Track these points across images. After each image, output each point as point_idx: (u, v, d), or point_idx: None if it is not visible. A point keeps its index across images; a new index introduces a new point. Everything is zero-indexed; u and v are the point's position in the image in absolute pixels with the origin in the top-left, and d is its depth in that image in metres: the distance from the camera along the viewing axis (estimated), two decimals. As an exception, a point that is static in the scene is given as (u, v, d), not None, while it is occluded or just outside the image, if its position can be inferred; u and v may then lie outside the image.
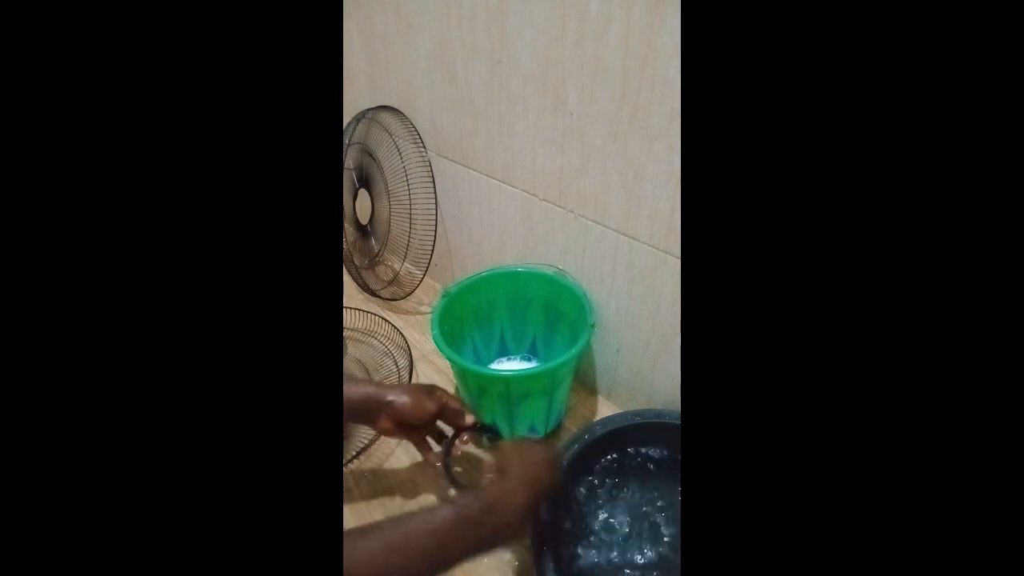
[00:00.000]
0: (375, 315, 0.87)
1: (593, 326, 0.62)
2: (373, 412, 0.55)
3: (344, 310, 0.85)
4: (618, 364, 0.71)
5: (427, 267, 0.88)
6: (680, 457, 0.60)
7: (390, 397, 0.55)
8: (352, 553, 0.35)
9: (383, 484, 0.66)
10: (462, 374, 0.64)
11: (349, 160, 0.89)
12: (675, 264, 0.57)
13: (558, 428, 0.72)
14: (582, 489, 0.61)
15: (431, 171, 0.82)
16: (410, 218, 0.86)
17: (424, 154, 0.82)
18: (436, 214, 0.85)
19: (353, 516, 0.62)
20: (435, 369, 0.81)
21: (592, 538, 0.57)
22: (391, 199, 0.88)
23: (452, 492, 0.63)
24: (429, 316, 0.65)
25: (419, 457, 0.61)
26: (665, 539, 0.57)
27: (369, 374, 0.80)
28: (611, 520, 0.59)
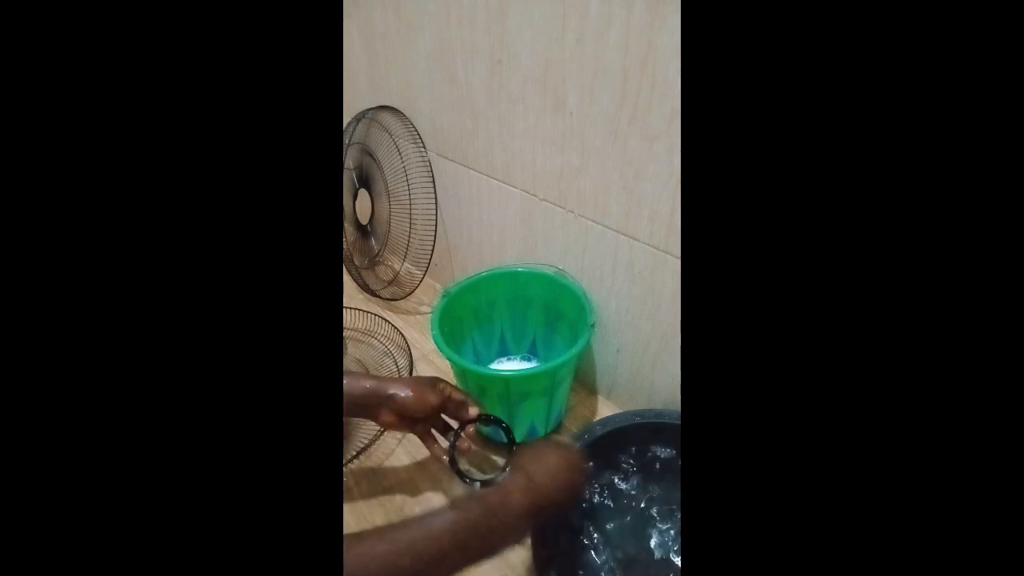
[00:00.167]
0: (375, 315, 0.87)
1: (593, 326, 0.62)
2: (375, 406, 0.55)
3: (344, 310, 0.85)
4: (618, 364, 0.71)
5: (427, 267, 0.88)
6: (680, 457, 0.60)
7: (391, 390, 0.55)
8: (352, 559, 0.34)
9: (383, 484, 0.66)
10: (462, 374, 0.64)
11: (349, 160, 0.89)
12: (675, 264, 0.57)
13: (558, 428, 0.72)
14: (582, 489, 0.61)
15: (431, 171, 0.82)
16: (410, 218, 0.86)
17: (424, 154, 0.82)
18: (436, 214, 0.85)
19: (353, 516, 0.62)
20: (435, 369, 0.81)
21: (592, 538, 0.57)
22: (391, 199, 0.88)
23: (459, 488, 0.63)
24: (429, 316, 0.65)
25: (420, 456, 0.61)
26: (665, 539, 0.57)
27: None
28: (611, 520, 0.59)
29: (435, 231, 0.86)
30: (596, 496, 0.60)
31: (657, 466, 0.62)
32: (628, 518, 0.59)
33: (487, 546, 0.41)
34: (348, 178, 0.91)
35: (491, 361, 0.79)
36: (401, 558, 0.37)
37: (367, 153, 0.89)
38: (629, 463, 0.62)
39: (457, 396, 0.58)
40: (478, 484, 0.58)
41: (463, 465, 0.57)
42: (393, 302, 0.94)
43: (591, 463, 0.56)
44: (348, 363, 0.81)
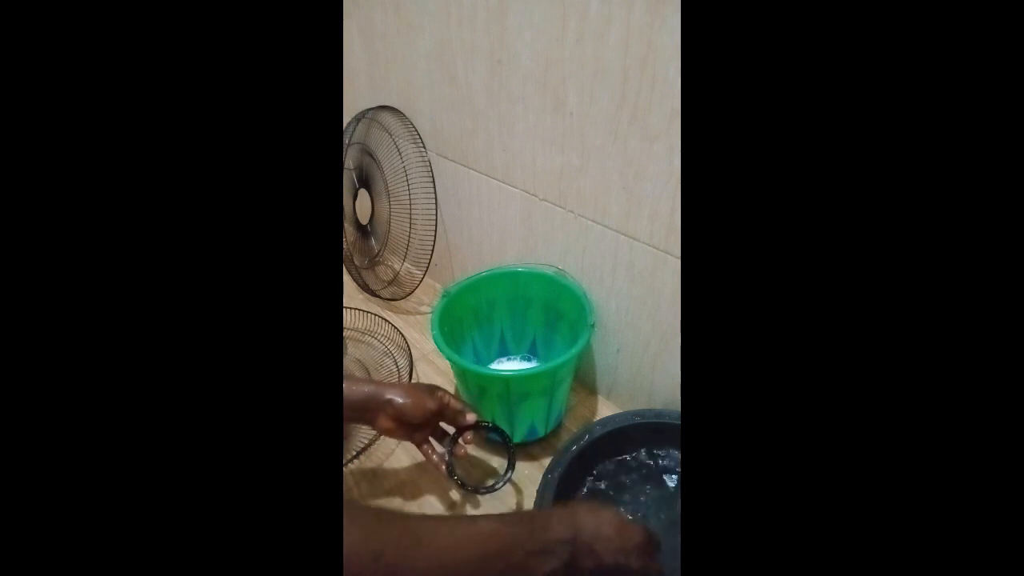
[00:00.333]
0: (375, 315, 0.87)
1: (593, 326, 0.62)
2: (373, 411, 0.55)
3: (344, 310, 0.85)
4: (618, 364, 0.71)
5: (427, 267, 0.88)
6: (680, 457, 0.60)
7: (389, 395, 0.55)
8: (434, 539, 0.36)
9: (383, 485, 0.66)
10: (462, 374, 0.64)
11: (349, 160, 0.89)
12: (675, 264, 0.57)
13: (558, 428, 0.72)
14: (582, 489, 0.61)
15: (431, 171, 0.82)
16: (410, 218, 0.86)
17: (424, 154, 0.82)
18: (436, 214, 0.85)
19: (353, 516, 0.62)
20: (435, 369, 0.81)
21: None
22: (391, 199, 0.88)
23: (458, 493, 0.63)
24: (429, 316, 0.65)
25: (420, 457, 0.60)
26: (665, 539, 0.57)
27: (369, 374, 0.80)
28: (611, 520, 0.59)
29: (435, 231, 0.86)
30: (596, 496, 0.60)
31: (657, 466, 0.62)
32: (628, 518, 0.59)
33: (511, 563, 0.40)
34: (348, 178, 0.91)
35: (491, 361, 0.79)
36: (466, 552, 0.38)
37: (367, 153, 0.88)
38: (628, 463, 0.62)
39: (455, 404, 0.58)
40: (483, 488, 0.58)
41: (461, 472, 0.57)
42: (393, 302, 0.94)
43: (567, 461, 0.55)
44: (348, 363, 0.81)
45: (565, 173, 0.62)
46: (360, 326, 0.87)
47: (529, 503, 0.55)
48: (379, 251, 0.95)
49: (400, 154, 0.84)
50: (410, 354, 0.79)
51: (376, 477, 0.67)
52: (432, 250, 0.87)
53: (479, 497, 0.63)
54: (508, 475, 0.58)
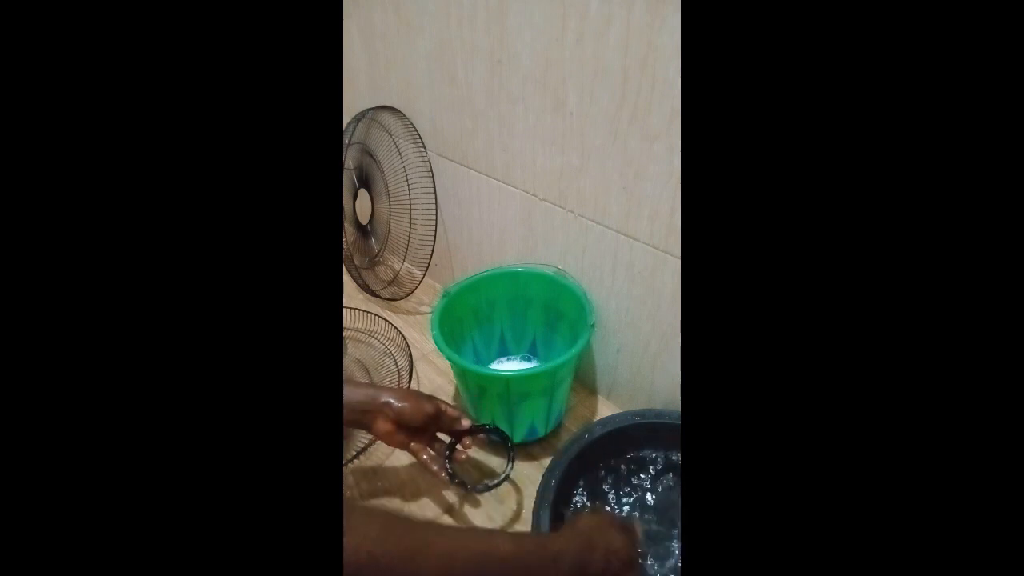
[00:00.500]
0: (375, 315, 0.87)
1: (593, 326, 0.62)
2: (372, 413, 0.55)
3: (344, 310, 0.85)
4: (618, 364, 0.71)
5: (427, 267, 0.88)
6: (680, 457, 0.60)
7: (387, 398, 0.55)
8: (432, 547, 0.36)
9: (383, 484, 0.66)
10: (462, 374, 0.64)
11: (349, 160, 0.89)
12: (675, 264, 0.57)
13: (558, 428, 0.72)
14: (583, 489, 0.61)
15: (431, 171, 0.82)
16: (410, 218, 0.86)
17: (424, 154, 0.82)
18: (436, 214, 0.85)
19: (353, 516, 0.62)
20: (435, 369, 0.81)
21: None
22: (391, 199, 0.88)
23: (460, 493, 0.63)
24: (429, 316, 0.65)
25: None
26: (665, 539, 0.57)
27: (369, 374, 0.80)
28: (611, 520, 0.59)
29: (435, 231, 0.86)
30: (596, 496, 0.60)
31: (657, 466, 0.62)
32: (628, 517, 0.59)
33: None
34: (348, 178, 0.91)
35: (491, 361, 0.79)
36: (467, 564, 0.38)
37: (367, 153, 0.88)
38: (629, 463, 0.62)
39: (451, 411, 0.58)
40: (480, 486, 0.58)
41: (462, 476, 0.57)
42: (393, 302, 0.94)
43: (566, 461, 0.56)
44: (348, 363, 0.81)
45: (565, 173, 0.62)
46: (360, 326, 0.87)
47: (529, 503, 0.55)
48: (379, 251, 0.95)
49: (400, 154, 0.84)
50: (410, 354, 0.79)
51: (376, 476, 0.67)
52: (432, 250, 0.87)
53: (478, 496, 0.63)
54: (508, 469, 0.58)
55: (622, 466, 0.62)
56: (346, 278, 0.94)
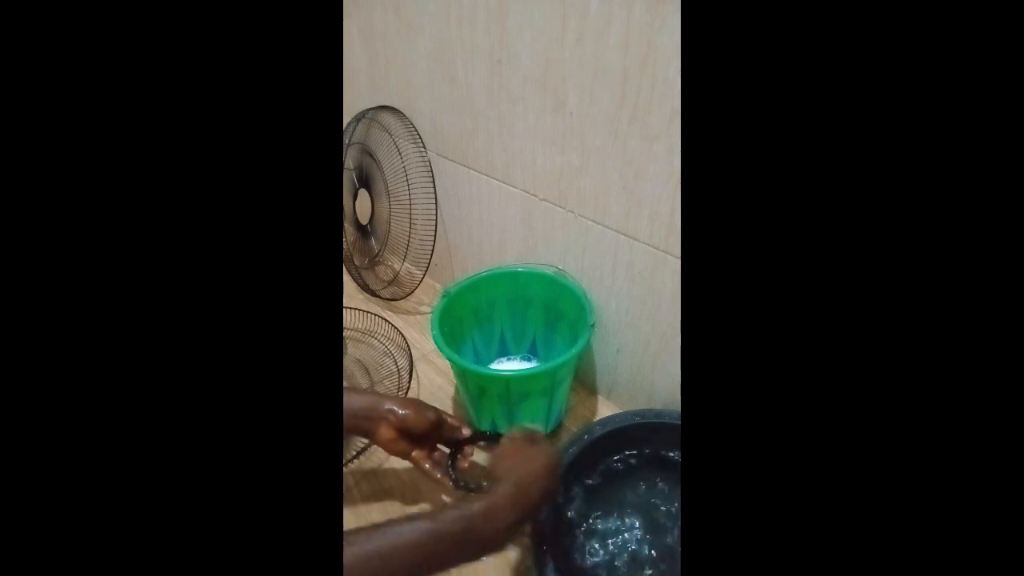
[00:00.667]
0: (375, 315, 0.87)
1: (593, 326, 0.62)
2: (374, 420, 0.54)
3: (344, 310, 0.85)
4: (618, 364, 0.71)
5: (427, 267, 0.88)
6: (680, 457, 0.60)
7: (389, 405, 0.54)
8: None
9: (383, 484, 0.66)
10: (462, 374, 0.64)
11: (349, 160, 0.89)
12: (675, 264, 0.57)
13: (558, 428, 0.72)
14: (582, 489, 0.61)
15: (431, 171, 0.82)
16: (410, 218, 0.86)
17: (424, 154, 0.82)
18: (436, 214, 0.85)
19: (353, 516, 0.62)
20: (435, 369, 0.81)
21: (592, 538, 0.57)
22: (391, 199, 0.88)
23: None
24: (429, 316, 0.65)
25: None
26: (665, 539, 0.57)
27: (369, 374, 0.80)
28: (611, 520, 0.59)
29: (435, 231, 0.86)
30: (596, 496, 0.60)
31: (657, 466, 0.62)
32: (628, 518, 0.59)
33: (463, 557, 0.41)
34: (348, 178, 0.91)
35: (491, 361, 0.79)
36: (369, 563, 0.36)
37: (367, 153, 0.88)
38: (629, 463, 0.62)
39: (452, 420, 0.57)
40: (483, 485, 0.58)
41: (464, 479, 0.57)
42: (393, 302, 0.94)
43: (566, 461, 0.56)
44: (348, 363, 0.81)
45: (565, 173, 0.62)
46: (360, 326, 0.87)
47: (529, 503, 0.55)
48: (379, 251, 0.95)
49: (400, 154, 0.84)
50: (410, 354, 0.79)
51: (376, 476, 0.67)
52: (432, 250, 0.87)
53: None
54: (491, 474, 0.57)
55: (622, 466, 0.62)
56: (346, 278, 0.94)
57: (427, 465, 0.57)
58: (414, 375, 0.78)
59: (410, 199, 0.85)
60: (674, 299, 0.59)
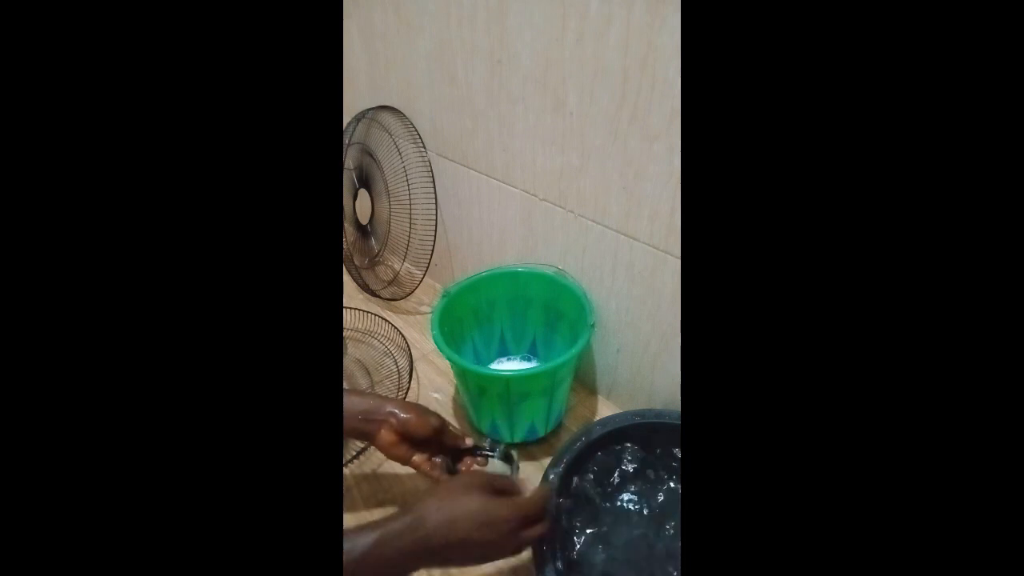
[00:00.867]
0: (375, 315, 0.87)
1: (593, 326, 0.62)
2: (377, 423, 0.54)
3: (344, 310, 0.85)
4: (618, 364, 0.71)
5: (427, 267, 0.88)
6: (680, 457, 0.60)
7: (391, 407, 0.54)
8: None
9: (383, 485, 0.66)
10: (462, 374, 0.64)
11: (349, 160, 0.89)
12: (675, 264, 0.57)
13: (558, 428, 0.72)
14: (582, 489, 0.61)
15: (431, 171, 0.82)
16: (410, 218, 0.86)
17: (424, 154, 0.82)
18: (436, 214, 0.85)
19: (353, 518, 0.62)
20: (435, 369, 0.81)
21: (592, 538, 0.57)
22: (391, 199, 0.88)
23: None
24: (429, 316, 0.65)
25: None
26: (666, 539, 0.57)
27: (369, 374, 0.80)
28: (610, 520, 0.59)
29: (435, 231, 0.86)
30: (596, 496, 0.60)
31: (657, 467, 0.62)
32: (628, 518, 0.59)
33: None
34: (348, 178, 0.91)
35: (491, 361, 0.79)
36: None
37: (367, 153, 0.89)
38: (628, 463, 0.62)
39: (454, 429, 0.57)
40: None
41: None
42: (393, 302, 0.94)
43: (566, 461, 0.55)
44: (348, 363, 0.81)
45: (565, 173, 0.62)
46: (360, 326, 0.87)
47: (529, 503, 0.55)
48: (379, 251, 0.95)
49: (400, 154, 0.84)
50: (410, 354, 0.79)
51: (376, 477, 0.66)
52: (432, 250, 0.87)
53: None
54: (514, 474, 0.57)
55: (622, 466, 0.62)
56: (346, 278, 0.94)
57: (427, 467, 0.56)
58: (414, 375, 0.78)
59: (410, 199, 0.85)
60: (674, 299, 0.59)
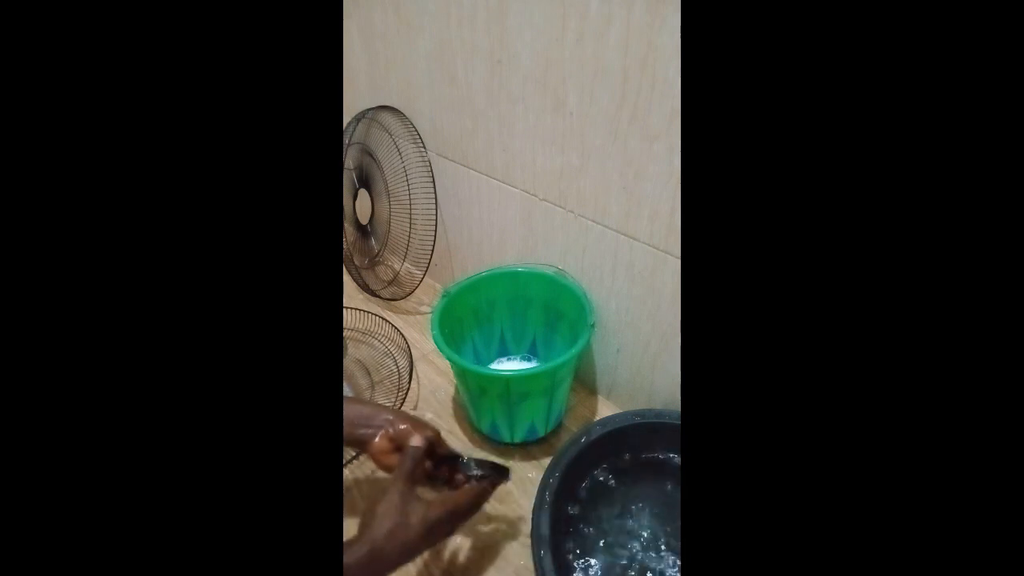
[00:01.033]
0: (375, 315, 0.87)
1: (593, 326, 0.62)
2: (373, 430, 0.53)
3: (344, 310, 0.85)
4: (618, 364, 0.71)
5: (427, 267, 0.88)
6: (680, 457, 0.60)
7: (388, 415, 0.54)
8: None
9: (383, 485, 0.66)
10: (462, 374, 0.64)
11: (349, 160, 0.89)
12: (675, 264, 0.57)
13: (558, 428, 0.72)
14: (582, 489, 0.61)
15: (431, 171, 0.82)
16: (410, 218, 0.86)
17: (424, 154, 0.82)
18: (436, 214, 0.85)
19: (353, 518, 0.62)
20: (435, 369, 0.81)
21: (591, 538, 0.57)
22: (391, 199, 0.88)
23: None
24: (429, 316, 0.65)
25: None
26: (665, 540, 0.57)
27: (369, 374, 0.80)
28: (610, 520, 0.59)
29: (435, 231, 0.86)
30: (596, 497, 0.60)
31: (657, 467, 0.62)
32: (627, 519, 0.59)
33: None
34: (348, 178, 0.91)
35: (491, 361, 0.79)
36: None
37: (367, 153, 0.89)
38: (628, 463, 0.62)
39: (447, 446, 0.56)
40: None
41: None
42: (393, 302, 0.94)
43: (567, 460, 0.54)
44: (348, 363, 0.81)
45: (565, 173, 0.62)
46: (360, 326, 0.87)
47: (529, 504, 0.55)
48: (379, 251, 0.95)
49: (400, 154, 0.84)
50: (410, 354, 0.79)
51: (376, 477, 0.67)
52: (432, 250, 0.87)
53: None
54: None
55: (622, 466, 0.62)
56: (346, 278, 0.94)
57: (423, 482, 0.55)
58: (414, 375, 0.78)
59: (410, 199, 0.85)
60: (674, 299, 0.59)
